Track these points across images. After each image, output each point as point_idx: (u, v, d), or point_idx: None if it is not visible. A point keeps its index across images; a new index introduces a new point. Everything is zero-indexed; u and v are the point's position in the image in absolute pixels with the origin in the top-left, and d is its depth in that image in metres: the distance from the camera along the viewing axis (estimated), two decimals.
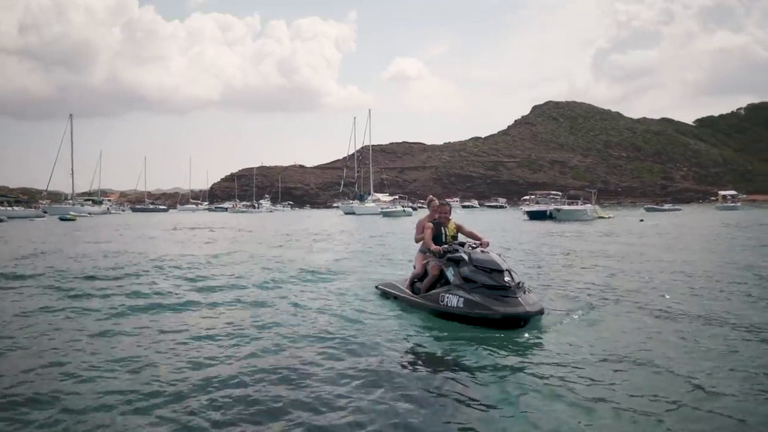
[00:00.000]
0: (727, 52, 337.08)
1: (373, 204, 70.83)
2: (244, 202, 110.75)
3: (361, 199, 76.03)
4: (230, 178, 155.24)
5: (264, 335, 5.90)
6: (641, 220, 39.93)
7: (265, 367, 4.73)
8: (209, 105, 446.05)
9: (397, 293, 7.51)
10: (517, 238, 22.24)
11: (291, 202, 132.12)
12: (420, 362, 4.91)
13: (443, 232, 7.20)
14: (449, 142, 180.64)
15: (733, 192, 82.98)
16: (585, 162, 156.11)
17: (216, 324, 6.44)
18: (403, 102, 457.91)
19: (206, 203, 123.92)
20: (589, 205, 45.83)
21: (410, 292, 7.14)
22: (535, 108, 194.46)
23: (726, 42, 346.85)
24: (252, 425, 3.58)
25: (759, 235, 22.05)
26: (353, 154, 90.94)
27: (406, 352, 5.22)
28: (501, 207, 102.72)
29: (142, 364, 4.84)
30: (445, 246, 6.85)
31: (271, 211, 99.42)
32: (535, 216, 44.38)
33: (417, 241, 7.58)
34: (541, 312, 5.88)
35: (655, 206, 72.75)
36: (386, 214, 58.37)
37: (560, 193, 55.12)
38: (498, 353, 5.02)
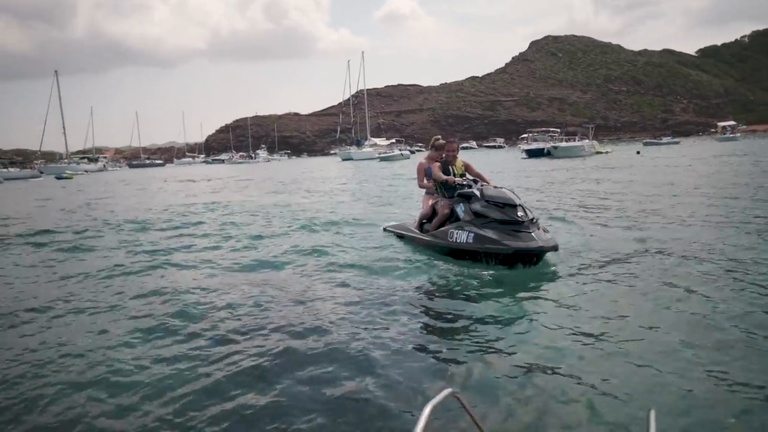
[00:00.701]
0: None
1: (370, 149, 70.47)
2: (241, 153, 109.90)
3: (359, 144, 75.57)
4: (225, 129, 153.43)
5: (278, 274, 6.18)
6: (638, 152, 39.93)
7: (283, 303, 4.95)
8: (197, 55, 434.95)
9: (405, 233, 7.38)
10: (515, 177, 22.35)
11: (288, 151, 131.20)
12: (419, 304, 4.71)
13: (451, 171, 6.83)
14: (446, 83, 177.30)
15: (732, 123, 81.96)
16: (584, 98, 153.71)
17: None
18: (398, 43, 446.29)
19: (203, 156, 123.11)
20: (586, 141, 45.68)
21: (419, 232, 6.95)
22: (533, 44, 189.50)
23: None
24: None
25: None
26: (348, 100, 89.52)
27: (411, 293, 5.07)
28: (499, 147, 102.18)
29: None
30: (458, 179, 6.59)
31: (268, 161, 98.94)
32: (533, 154, 44.45)
33: (421, 186, 7.24)
34: (555, 248, 5.51)
35: (654, 140, 72.32)
36: (384, 159, 58.29)
37: (558, 131, 54.74)
38: (508, 296, 4.73)
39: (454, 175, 6.74)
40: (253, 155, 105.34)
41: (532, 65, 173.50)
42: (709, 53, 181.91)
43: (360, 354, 3.62)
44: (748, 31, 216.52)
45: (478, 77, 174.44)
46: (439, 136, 7.50)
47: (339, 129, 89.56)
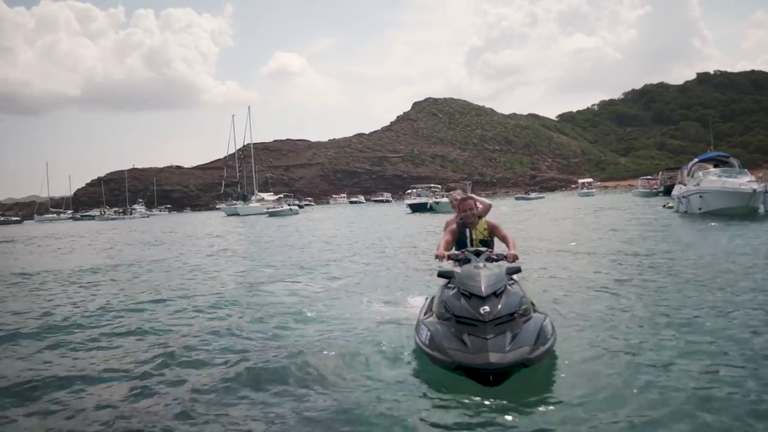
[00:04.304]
0: (583, 52, 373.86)
1: (257, 204, 68.99)
2: (115, 209, 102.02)
3: (245, 199, 73.74)
4: (97, 182, 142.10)
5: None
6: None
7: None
8: (68, 103, 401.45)
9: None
10: (393, 232, 23.00)
11: (169, 206, 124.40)
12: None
13: (468, 235, 5.43)
14: (334, 139, 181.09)
15: (589, 180, 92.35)
16: (463, 155, 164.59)
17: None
18: (286, 98, 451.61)
19: (70, 211, 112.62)
20: None
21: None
22: (415, 104, 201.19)
23: (581, 44, 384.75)
24: None
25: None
26: (234, 154, 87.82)
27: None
28: (386, 201, 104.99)
29: None
30: (455, 252, 5.15)
31: (146, 216, 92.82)
32: (416, 208, 46.41)
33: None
34: (519, 364, 3.71)
35: (524, 195, 78.81)
36: (272, 214, 57.21)
37: (439, 186, 57.82)
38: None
39: (472, 241, 5.37)
40: (129, 210, 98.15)
41: (416, 124, 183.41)
42: (566, 118, 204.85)
43: None
44: (596, 100, 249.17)
45: (365, 134, 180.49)
46: (454, 189, 6.34)
47: (224, 183, 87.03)
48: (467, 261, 4.79)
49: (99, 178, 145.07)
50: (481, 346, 3.73)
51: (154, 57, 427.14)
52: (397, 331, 5.53)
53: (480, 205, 6.03)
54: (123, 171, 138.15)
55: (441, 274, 4.72)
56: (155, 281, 10.78)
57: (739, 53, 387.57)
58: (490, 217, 5.83)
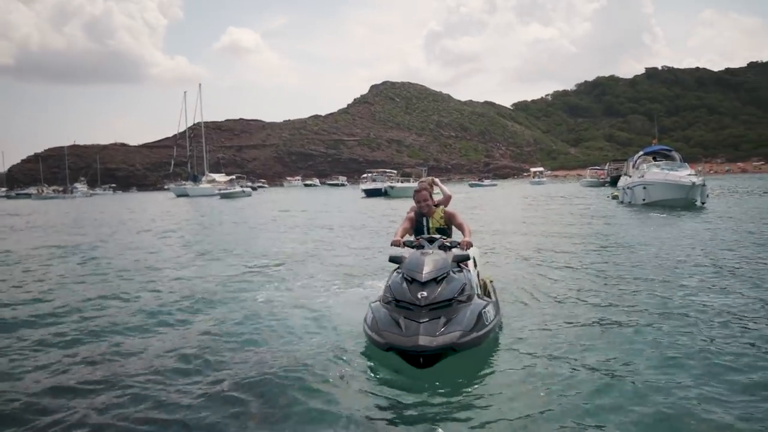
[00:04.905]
0: (540, 43, 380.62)
1: (208, 185, 67.03)
2: (54, 187, 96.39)
3: (195, 180, 71.52)
4: (34, 159, 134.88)
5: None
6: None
7: None
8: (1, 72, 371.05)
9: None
10: (351, 217, 22.73)
11: (113, 185, 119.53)
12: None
13: (425, 223, 5.51)
14: (289, 120, 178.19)
15: (541, 169, 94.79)
16: (419, 141, 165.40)
17: None
18: (239, 76, 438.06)
19: (4, 189, 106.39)
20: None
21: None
22: (373, 87, 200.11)
23: (538, 34, 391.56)
24: None
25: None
26: (184, 132, 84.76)
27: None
28: (341, 185, 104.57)
29: None
30: (410, 239, 5.26)
31: (89, 196, 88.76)
32: (371, 193, 46.18)
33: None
34: (446, 348, 3.80)
35: (477, 182, 80.00)
36: (224, 196, 55.70)
37: (395, 171, 57.80)
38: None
39: (428, 230, 5.44)
40: (69, 189, 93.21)
41: (373, 108, 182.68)
42: (521, 107, 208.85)
43: None
44: (550, 90, 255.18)
45: (321, 116, 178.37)
46: (431, 178, 6.28)
47: (173, 162, 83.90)
48: (421, 247, 4.89)
49: (36, 155, 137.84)
50: (413, 330, 3.87)
51: (96, 26, 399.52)
52: (353, 312, 5.47)
53: (441, 195, 6.19)
54: (62, 147, 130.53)
55: (392, 259, 4.85)
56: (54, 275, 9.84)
57: (685, 50, 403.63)
58: (448, 206, 5.92)
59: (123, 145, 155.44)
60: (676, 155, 25.67)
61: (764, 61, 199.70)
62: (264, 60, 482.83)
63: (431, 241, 5.03)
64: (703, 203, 20.59)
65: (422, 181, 6.04)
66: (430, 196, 5.59)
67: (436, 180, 6.46)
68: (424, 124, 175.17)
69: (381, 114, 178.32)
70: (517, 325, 5.17)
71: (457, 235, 5.47)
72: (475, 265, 5.39)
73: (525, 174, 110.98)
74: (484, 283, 5.57)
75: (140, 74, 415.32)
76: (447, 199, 6.24)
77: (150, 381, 4.09)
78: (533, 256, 9.83)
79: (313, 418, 3.43)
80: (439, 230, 5.47)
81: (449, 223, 5.52)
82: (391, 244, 5.27)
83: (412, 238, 5.34)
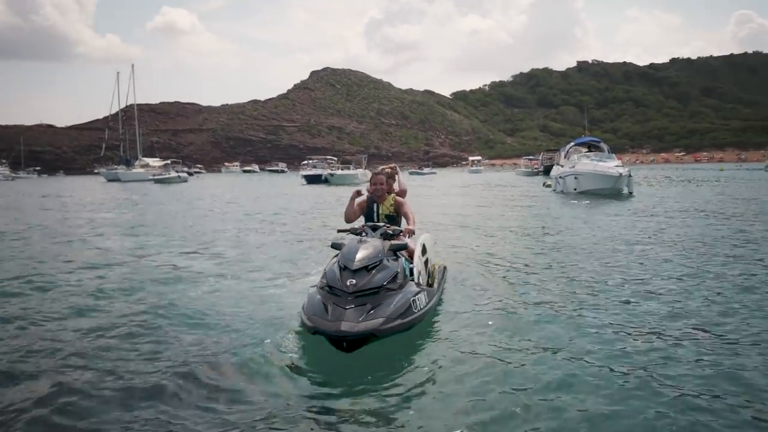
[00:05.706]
0: (478, 33, 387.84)
1: (142, 169, 64.39)
2: None
3: (128, 164, 68.51)
4: None
5: None
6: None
7: None
8: None
9: None
10: (289, 203, 22.72)
11: (38, 168, 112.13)
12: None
13: (375, 210, 5.64)
14: (227, 104, 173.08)
15: (478, 157, 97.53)
16: (360, 128, 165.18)
17: None
18: (175, 57, 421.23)
19: None
20: (360, 169, 49.07)
21: None
22: (313, 73, 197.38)
23: (476, 25, 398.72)
24: None
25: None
26: (117, 114, 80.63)
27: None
28: (281, 171, 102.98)
29: None
30: (355, 227, 5.40)
31: (11, 179, 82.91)
32: (311, 180, 46.08)
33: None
34: (367, 334, 3.97)
35: (417, 170, 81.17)
36: (159, 181, 53.74)
37: (336, 158, 57.73)
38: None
39: (377, 217, 5.60)
40: None
41: (313, 94, 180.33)
42: (460, 96, 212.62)
43: None
44: (488, 81, 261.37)
45: (260, 101, 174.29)
46: (392, 164, 6.46)
47: (104, 146, 79.69)
48: (361, 235, 5.10)
49: None
50: (337, 315, 4.06)
51: (18, 0, 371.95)
52: (291, 298, 5.62)
53: (397, 187, 6.32)
54: None
55: (333, 246, 4.96)
56: None
57: (613, 45, 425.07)
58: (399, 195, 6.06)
59: (49, 126, 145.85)
60: (605, 146, 27.33)
61: (685, 57, 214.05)
62: (201, 41, 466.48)
63: (375, 228, 5.23)
64: (630, 192, 22.13)
65: (385, 168, 6.20)
66: (387, 182, 5.76)
67: (399, 172, 6.54)
68: (365, 112, 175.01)
69: (322, 100, 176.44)
70: (459, 310, 5.37)
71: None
72: (424, 252, 5.52)
73: (464, 162, 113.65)
74: (434, 269, 5.75)
75: (67, 52, 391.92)
76: (402, 193, 6.33)
77: (73, 368, 4.05)
78: (481, 243, 10.27)
79: (235, 399, 3.54)
80: (389, 217, 5.62)
81: (398, 211, 5.65)
82: (345, 222, 5.59)
83: (360, 224, 5.54)
